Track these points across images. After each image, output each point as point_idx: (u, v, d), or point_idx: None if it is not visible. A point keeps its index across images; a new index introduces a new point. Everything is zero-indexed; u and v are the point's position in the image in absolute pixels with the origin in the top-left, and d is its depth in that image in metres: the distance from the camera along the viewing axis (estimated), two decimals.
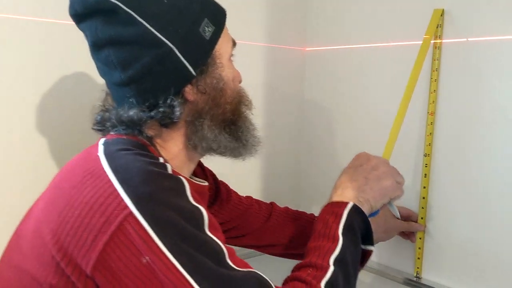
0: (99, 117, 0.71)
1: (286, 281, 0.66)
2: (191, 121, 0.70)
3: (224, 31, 0.72)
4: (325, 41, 1.32)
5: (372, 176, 0.79)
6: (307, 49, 1.38)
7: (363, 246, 0.74)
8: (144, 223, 0.55)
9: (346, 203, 0.74)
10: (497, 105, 0.95)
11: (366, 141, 1.21)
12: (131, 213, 0.56)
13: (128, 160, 0.61)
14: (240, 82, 0.78)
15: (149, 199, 0.57)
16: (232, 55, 0.75)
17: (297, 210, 1.11)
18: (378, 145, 1.18)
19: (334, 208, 0.74)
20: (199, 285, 0.55)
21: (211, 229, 0.61)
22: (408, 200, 1.11)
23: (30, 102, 0.89)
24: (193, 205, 0.61)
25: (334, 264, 0.66)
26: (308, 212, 1.11)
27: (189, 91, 0.68)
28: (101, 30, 0.65)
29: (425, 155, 1.06)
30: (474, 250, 1.00)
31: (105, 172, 0.59)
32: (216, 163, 0.93)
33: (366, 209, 0.75)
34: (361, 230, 0.73)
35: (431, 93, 1.04)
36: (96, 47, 0.67)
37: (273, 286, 0.61)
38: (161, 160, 0.65)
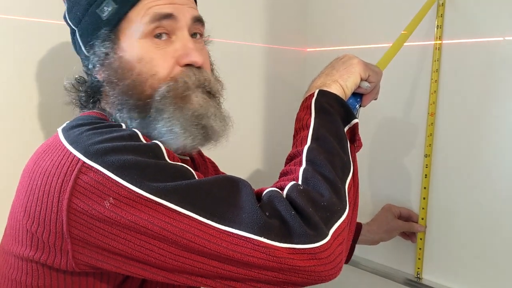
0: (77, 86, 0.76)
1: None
2: (110, 102, 0.69)
3: (137, 8, 0.66)
4: (326, 42, 1.32)
5: (338, 63, 0.77)
6: (307, 49, 1.38)
7: (348, 126, 0.70)
8: (99, 167, 0.56)
9: (313, 93, 0.72)
10: (497, 106, 0.96)
11: (366, 140, 1.21)
12: (84, 163, 0.56)
13: (83, 130, 0.62)
14: (191, 63, 0.68)
15: (99, 147, 0.58)
16: (158, 33, 0.67)
17: None
18: (379, 143, 1.18)
19: (304, 103, 0.72)
20: (165, 200, 0.54)
21: (172, 160, 0.61)
22: (409, 201, 1.11)
23: (20, 102, 0.90)
24: (148, 143, 0.61)
25: (309, 150, 0.64)
26: None
27: (97, 72, 0.69)
28: None
29: (425, 156, 1.06)
30: (475, 251, 1.01)
31: (61, 143, 0.60)
32: (216, 157, 0.93)
33: (335, 89, 0.72)
34: (334, 108, 0.70)
35: (432, 94, 1.04)
36: None
37: (242, 181, 0.60)
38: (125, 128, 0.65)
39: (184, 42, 0.68)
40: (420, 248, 1.09)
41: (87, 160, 0.56)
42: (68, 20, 0.70)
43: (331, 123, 0.68)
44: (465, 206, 1.01)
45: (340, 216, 0.59)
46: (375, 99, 0.82)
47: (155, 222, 0.54)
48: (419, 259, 1.09)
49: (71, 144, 0.59)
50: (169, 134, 0.66)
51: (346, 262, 1.08)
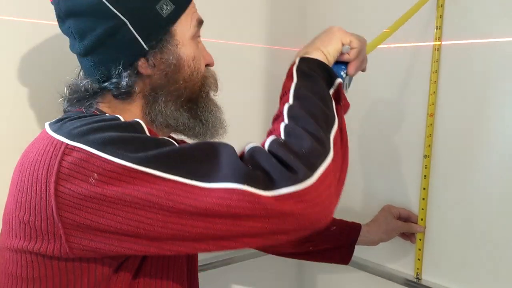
0: (68, 88, 0.74)
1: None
2: (147, 95, 0.72)
3: (187, 11, 0.72)
4: None
5: (321, 33, 0.78)
6: None
7: (332, 88, 0.70)
8: (82, 146, 0.57)
9: (294, 61, 0.73)
10: (496, 106, 0.96)
11: (366, 141, 1.21)
12: (67, 145, 0.58)
13: (67, 120, 0.64)
14: (209, 65, 0.79)
15: (81, 129, 0.60)
16: (198, 36, 0.76)
17: None
18: (378, 144, 1.18)
19: (288, 72, 0.73)
20: (148, 167, 0.56)
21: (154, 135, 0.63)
22: (408, 202, 1.11)
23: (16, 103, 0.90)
24: (129, 121, 0.64)
25: (290, 108, 0.65)
26: None
27: (142, 65, 0.70)
28: (62, 3, 0.69)
29: (424, 157, 1.07)
30: (474, 251, 1.01)
31: (47, 133, 0.63)
32: None
33: (317, 55, 0.73)
34: (316, 71, 0.70)
35: (431, 94, 1.05)
36: (60, 19, 0.71)
37: (224, 143, 0.61)
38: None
39: (203, 46, 0.78)
40: (419, 249, 1.09)
41: (70, 142, 0.58)
42: (112, 8, 0.67)
43: (313, 83, 0.69)
44: (464, 207, 1.02)
45: (324, 160, 0.58)
46: (363, 70, 0.83)
47: (141, 190, 0.55)
48: (418, 259, 1.10)
49: (55, 131, 0.61)
50: (209, 125, 0.76)
51: (346, 263, 1.09)
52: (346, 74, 0.78)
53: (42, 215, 0.58)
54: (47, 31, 0.90)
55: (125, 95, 0.70)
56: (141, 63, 0.70)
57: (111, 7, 0.67)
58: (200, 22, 0.75)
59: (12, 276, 0.63)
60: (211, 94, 0.78)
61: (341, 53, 0.76)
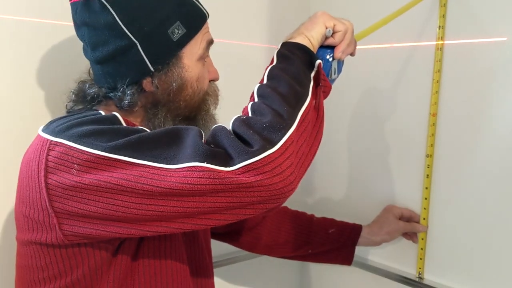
0: (76, 91, 0.78)
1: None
2: (148, 109, 0.75)
3: (198, 34, 0.74)
4: None
5: (306, 20, 0.80)
6: None
7: (314, 70, 0.73)
8: (62, 141, 0.63)
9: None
10: (498, 106, 0.96)
11: (368, 140, 1.21)
12: (51, 141, 0.64)
13: (55, 119, 0.70)
14: (214, 80, 0.81)
15: (63, 126, 0.65)
16: (207, 55, 0.78)
17: (296, 210, 1.11)
18: (380, 144, 1.18)
19: (271, 58, 0.75)
20: (119, 155, 0.60)
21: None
22: (411, 201, 1.11)
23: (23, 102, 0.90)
24: (107, 114, 0.69)
25: (260, 87, 0.68)
26: (318, 214, 1.11)
27: (147, 84, 0.73)
28: (79, 12, 0.71)
29: (427, 156, 1.06)
30: (476, 250, 1.01)
31: (39, 135, 0.68)
32: None
33: (300, 40, 0.75)
34: (295, 53, 0.73)
35: (433, 94, 1.04)
36: (76, 25, 0.74)
37: (191, 127, 0.64)
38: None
39: (211, 62, 0.81)
40: (421, 248, 1.09)
41: (53, 138, 0.64)
42: (125, 29, 0.69)
43: (288, 64, 0.71)
44: (467, 206, 1.02)
45: (285, 133, 0.61)
46: (352, 54, 0.83)
47: (113, 176, 0.59)
48: (420, 259, 1.10)
49: (43, 131, 0.67)
50: None
51: (348, 264, 1.09)
52: (333, 58, 0.78)
53: (38, 207, 0.63)
54: (53, 31, 0.89)
55: (127, 107, 0.73)
56: (146, 82, 0.73)
57: (124, 28, 0.69)
58: (210, 43, 0.77)
59: (24, 268, 0.69)
60: (211, 110, 0.80)
61: (326, 37, 0.78)
